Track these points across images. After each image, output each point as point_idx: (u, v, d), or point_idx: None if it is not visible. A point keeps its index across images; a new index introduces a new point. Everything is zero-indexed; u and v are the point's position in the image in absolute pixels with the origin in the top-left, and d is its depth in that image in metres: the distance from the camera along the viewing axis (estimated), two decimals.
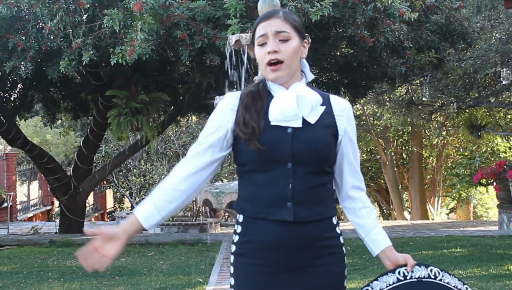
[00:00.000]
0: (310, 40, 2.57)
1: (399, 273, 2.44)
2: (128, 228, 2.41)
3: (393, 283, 2.42)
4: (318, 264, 2.43)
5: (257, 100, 2.48)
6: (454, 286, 2.45)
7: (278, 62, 2.43)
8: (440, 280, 2.45)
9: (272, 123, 2.42)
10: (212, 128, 2.49)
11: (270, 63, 2.43)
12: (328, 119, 2.46)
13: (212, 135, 2.48)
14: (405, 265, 2.46)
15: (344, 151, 2.50)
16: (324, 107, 2.47)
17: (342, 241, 2.49)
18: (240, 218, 2.48)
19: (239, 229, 2.48)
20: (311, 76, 2.57)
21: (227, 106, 2.50)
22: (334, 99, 2.52)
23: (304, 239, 2.42)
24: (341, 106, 2.51)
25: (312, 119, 2.43)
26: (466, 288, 2.48)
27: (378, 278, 2.43)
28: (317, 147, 2.40)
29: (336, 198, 2.60)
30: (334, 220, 2.48)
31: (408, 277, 2.43)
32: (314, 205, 2.42)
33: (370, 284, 2.44)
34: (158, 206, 2.44)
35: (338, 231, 2.49)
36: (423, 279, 2.43)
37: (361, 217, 2.53)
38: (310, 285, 2.42)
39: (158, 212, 2.43)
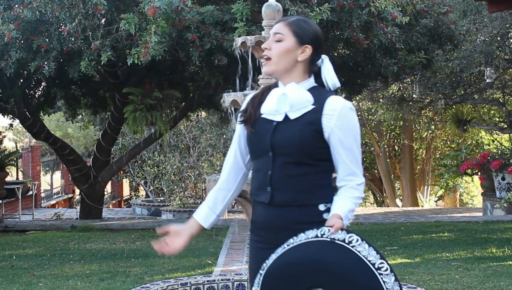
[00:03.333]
0: (313, 48, 2.53)
1: (321, 231, 2.36)
2: (189, 228, 2.59)
3: (311, 237, 2.36)
4: None
5: (263, 93, 2.59)
6: (363, 256, 2.29)
7: (267, 58, 2.52)
8: (353, 247, 2.31)
9: (262, 116, 2.53)
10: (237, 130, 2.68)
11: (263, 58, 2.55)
12: (313, 116, 2.46)
13: (236, 132, 2.66)
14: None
15: (334, 147, 2.48)
16: (313, 107, 2.47)
17: None
18: None
19: None
20: (331, 83, 2.53)
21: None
22: (330, 100, 2.48)
23: (283, 221, 2.47)
24: (333, 106, 2.46)
25: (292, 115, 2.47)
26: (382, 263, 2.28)
27: (305, 231, 2.37)
28: (293, 140, 2.44)
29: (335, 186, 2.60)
30: (322, 207, 2.47)
31: (324, 236, 2.35)
32: (292, 191, 2.46)
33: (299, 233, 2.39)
34: (212, 207, 2.62)
35: (326, 218, 2.46)
36: (335, 241, 2.33)
37: (337, 194, 2.51)
38: None
39: (213, 212, 2.61)
